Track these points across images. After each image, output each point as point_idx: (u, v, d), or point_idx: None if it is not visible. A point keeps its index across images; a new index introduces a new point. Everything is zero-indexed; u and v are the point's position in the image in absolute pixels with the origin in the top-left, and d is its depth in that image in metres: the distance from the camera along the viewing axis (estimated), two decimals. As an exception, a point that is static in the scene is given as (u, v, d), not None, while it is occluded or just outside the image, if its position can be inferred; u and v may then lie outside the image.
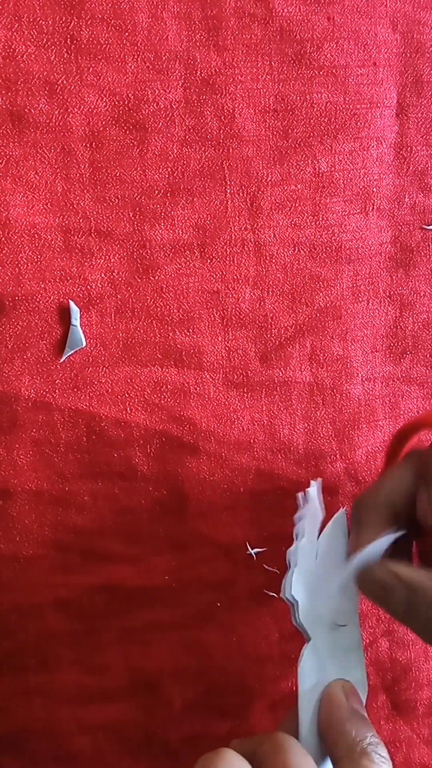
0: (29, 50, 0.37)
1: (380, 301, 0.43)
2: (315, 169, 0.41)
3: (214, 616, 0.43)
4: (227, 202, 0.40)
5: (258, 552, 0.43)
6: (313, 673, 0.35)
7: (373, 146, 0.41)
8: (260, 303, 0.41)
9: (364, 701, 0.35)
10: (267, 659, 0.44)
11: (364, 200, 0.42)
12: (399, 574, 0.31)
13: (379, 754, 0.31)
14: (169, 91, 0.38)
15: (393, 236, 0.43)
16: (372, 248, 0.42)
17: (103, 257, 0.39)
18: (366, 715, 0.34)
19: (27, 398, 0.39)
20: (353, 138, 0.41)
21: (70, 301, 0.39)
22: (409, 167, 0.42)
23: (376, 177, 0.42)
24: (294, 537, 0.37)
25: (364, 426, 0.44)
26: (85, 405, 0.40)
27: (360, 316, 0.43)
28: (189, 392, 0.41)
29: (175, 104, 0.39)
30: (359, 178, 0.41)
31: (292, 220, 0.41)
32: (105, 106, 0.38)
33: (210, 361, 0.41)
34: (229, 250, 0.40)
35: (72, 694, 0.43)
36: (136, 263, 0.39)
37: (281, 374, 0.42)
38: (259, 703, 0.45)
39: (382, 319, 0.43)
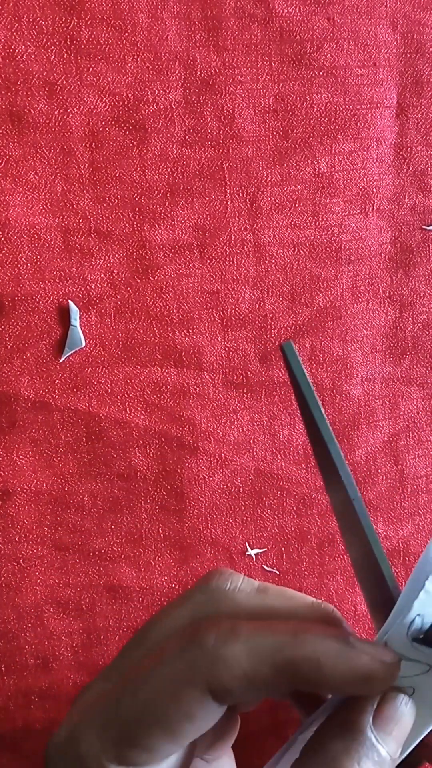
0: (29, 50, 0.37)
1: (380, 302, 0.43)
2: (315, 169, 0.41)
3: (213, 616, 0.43)
4: (227, 202, 0.40)
5: (258, 552, 0.43)
6: None
7: (373, 147, 0.41)
8: (260, 303, 0.41)
9: None
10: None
11: (364, 201, 0.42)
12: None
13: None
14: (169, 92, 0.38)
15: (393, 237, 0.43)
16: (372, 249, 0.42)
17: (103, 257, 0.39)
18: None
19: (26, 398, 0.39)
20: (353, 138, 0.41)
21: (70, 301, 0.39)
22: (409, 168, 0.42)
23: (376, 177, 0.42)
24: None
25: (364, 426, 0.44)
26: (85, 405, 0.40)
27: (360, 317, 0.43)
28: (188, 392, 0.41)
29: (174, 104, 0.39)
30: (359, 178, 0.41)
31: (292, 221, 0.41)
32: (104, 107, 0.38)
33: (209, 361, 0.41)
34: (228, 251, 0.40)
35: (72, 694, 0.43)
36: (135, 263, 0.39)
37: (281, 374, 0.42)
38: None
39: (382, 319, 0.43)
